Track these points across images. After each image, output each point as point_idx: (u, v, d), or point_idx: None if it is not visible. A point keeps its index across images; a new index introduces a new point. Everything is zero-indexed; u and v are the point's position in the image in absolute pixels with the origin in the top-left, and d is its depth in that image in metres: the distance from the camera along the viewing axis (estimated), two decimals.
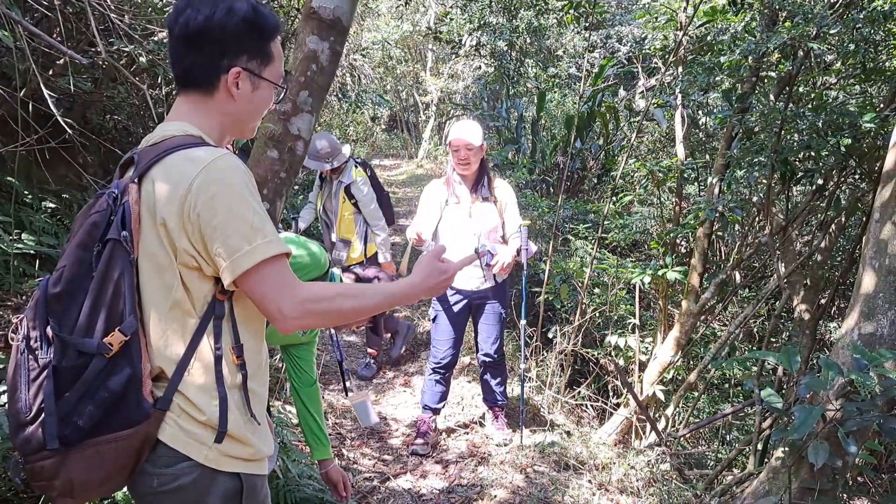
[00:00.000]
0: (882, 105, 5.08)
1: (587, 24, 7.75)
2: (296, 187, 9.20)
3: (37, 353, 1.53)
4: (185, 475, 1.59)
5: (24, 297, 4.48)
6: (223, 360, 1.62)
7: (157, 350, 1.59)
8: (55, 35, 4.53)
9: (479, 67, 15.13)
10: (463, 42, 12.94)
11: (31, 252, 4.53)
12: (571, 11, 6.87)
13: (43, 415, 1.50)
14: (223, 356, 1.62)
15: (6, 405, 2.69)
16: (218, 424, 1.59)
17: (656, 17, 7.27)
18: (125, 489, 1.90)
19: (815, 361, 5.22)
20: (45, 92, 3.40)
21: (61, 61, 5.07)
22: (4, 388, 2.77)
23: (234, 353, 1.64)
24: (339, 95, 12.19)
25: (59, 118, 3.58)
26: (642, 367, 6.17)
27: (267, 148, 2.25)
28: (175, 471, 1.59)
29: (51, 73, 5.05)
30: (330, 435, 4.69)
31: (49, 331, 1.54)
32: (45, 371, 1.52)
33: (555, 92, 13.43)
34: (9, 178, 4.97)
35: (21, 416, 1.52)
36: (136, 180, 1.59)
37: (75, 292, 1.55)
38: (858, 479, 4.93)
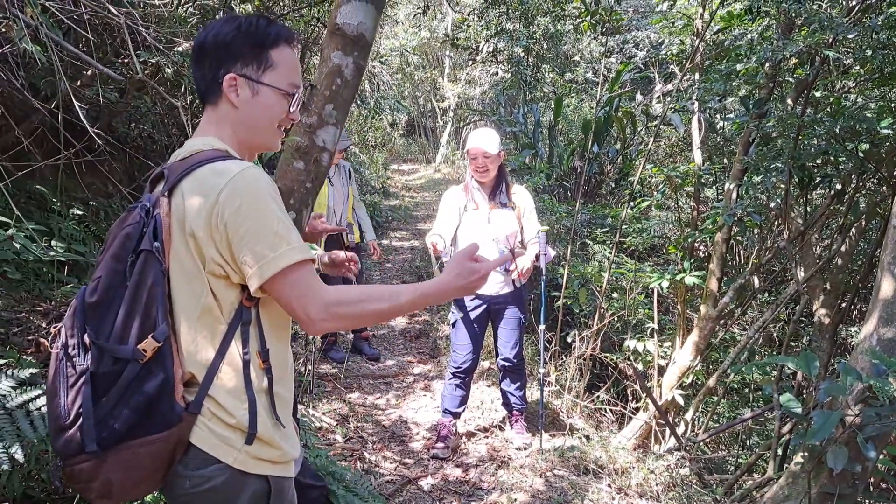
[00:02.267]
0: None
1: (604, 30, 7.78)
2: None
3: (74, 360, 1.59)
4: (216, 477, 1.64)
5: (52, 303, 4.56)
6: (251, 365, 1.67)
7: (188, 355, 1.64)
8: (81, 47, 4.62)
9: (497, 73, 15.16)
10: (480, 48, 12.99)
11: (61, 259, 4.61)
12: (588, 18, 6.90)
13: (81, 419, 1.56)
14: (250, 361, 1.67)
15: (40, 409, 2.78)
16: (248, 427, 1.64)
17: (673, 22, 7.28)
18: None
19: (834, 366, 5.22)
20: (76, 104, 3.49)
21: (89, 72, 5.16)
22: (36, 392, 2.85)
23: (261, 358, 1.69)
24: (358, 102, 12.28)
25: (91, 130, 3.66)
26: (661, 371, 6.17)
27: (293, 159, 2.31)
28: (206, 473, 1.64)
29: (78, 83, 5.14)
30: (352, 438, 4.77)
31: (86, 338, 1.59)
32: (83, 377, 1.57)
33: (572, 97, 13.46)
34: (37, 187, 5.08)
35: (60, 421, 1.58)
36: (166, 193, 1.65)
37: (111, 301, 1.60)
38: (881, 485, 4.91)
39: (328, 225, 2.60)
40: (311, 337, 6.08)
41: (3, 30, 3.36)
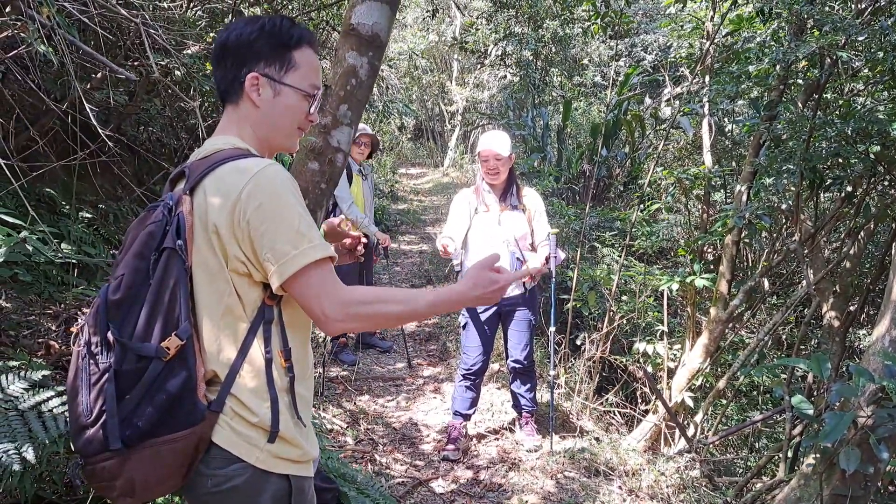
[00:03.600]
0: None
1: (612, 34, 7.79)
2: None
3: (97, 357, 1.59)
4: (237, 476, 1.64)
5: (62, 306, 4.57)
6: (273, 364, 1.67)
7: (210, 354, 1.65)
8: (92, 48, 4.64)
9: (505, 77, 15.17)
10: (488, 52, 13.01)
11: (72, 262, 4.61)
12: (598, 22, 6.91)
13: (104, 416, 1.56)
14: (273, 360, 1.67)
15: (52, 411, 2.79)
16: (270, 425, 1.65)
17: (682, 26, 7.29)
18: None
19: (845, 369, 5.20)
20: (87, 106, 3.50)
21: (99, 74, 5.18)
22: (48, 394, 2.86)
23: (283, 357, 1.70)
24: (367, 105, 12.34)
25: (102, 133, 3.68)
26: (671, 373, 6.17)
27: (308, 160, 2.32)
28: (228, 472, 1.64)
29: (88, 86, 5.16)
30: (362, 440, 4.78)
31: (109, 336, 1.59)
32: (106, 375, 1.57)
33: (580, 100, 13.47)
34: (47, 189, 5.09)
35: (82, 419, 1.58)
36: (188, 192, 1.66)
37: (134, 299, 1.60)
38: (890, 487, 4.90)
39: (351, 231, 2.47)
40: (321, 339, 6.09)
41: (17, 31, 3.38)
